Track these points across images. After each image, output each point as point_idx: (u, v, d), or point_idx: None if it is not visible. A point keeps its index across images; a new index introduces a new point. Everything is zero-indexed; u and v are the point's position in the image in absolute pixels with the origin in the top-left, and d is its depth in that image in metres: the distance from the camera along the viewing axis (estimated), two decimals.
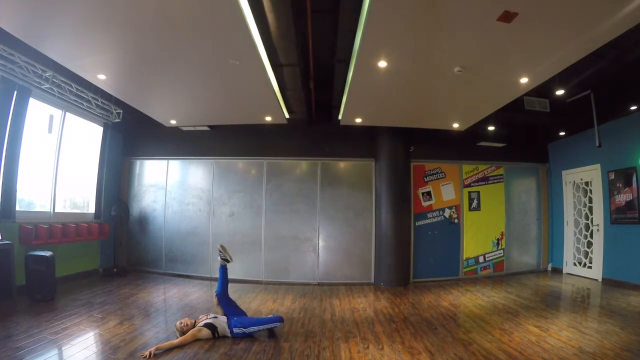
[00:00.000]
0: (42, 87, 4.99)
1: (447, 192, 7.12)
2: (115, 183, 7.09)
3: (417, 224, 6.91)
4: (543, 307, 4.77)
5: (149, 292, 5.41)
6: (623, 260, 5.92)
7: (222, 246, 4.01)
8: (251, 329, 3.55)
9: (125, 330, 3.62)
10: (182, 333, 3.41)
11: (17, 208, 4.79)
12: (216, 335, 3.49)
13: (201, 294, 5.47)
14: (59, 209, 5.75)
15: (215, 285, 6.09)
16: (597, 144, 5.70)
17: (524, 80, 4.14)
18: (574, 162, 7.15)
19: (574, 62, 3.66)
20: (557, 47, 3.38)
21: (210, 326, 3.50)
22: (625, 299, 5.00)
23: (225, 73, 4.20)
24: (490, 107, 5.20)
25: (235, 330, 3.52)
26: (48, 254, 4.67)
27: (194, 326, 3.49)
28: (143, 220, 7.10)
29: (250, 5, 3.08)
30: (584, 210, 6.98)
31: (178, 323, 3.51)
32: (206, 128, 6.82)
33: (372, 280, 6.61)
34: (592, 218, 6.73)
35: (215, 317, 3.63)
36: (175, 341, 3.27)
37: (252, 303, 5.00)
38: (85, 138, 6.40)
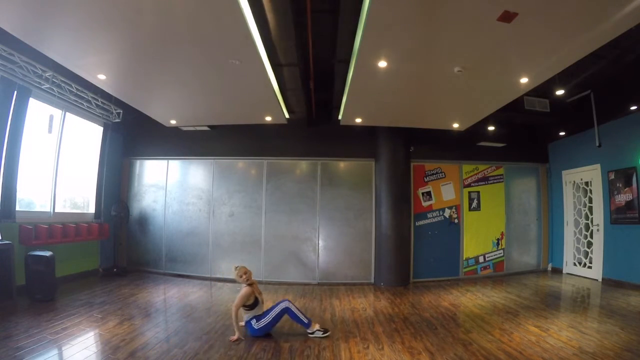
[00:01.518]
0: (42, 87, 4.99)
1: (447, 192, 7.12)
2: (115, 183, 7.08)
3: (417, 224, 6.91)
4: (543, 307, 4.77)
5: (149, 292, 5.41)
6: (623, 260, 5.92)
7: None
8: (262, 322, 3.55)
9: (125, 330, 3.62)
10: (241, 277, 3.64)
11: (17, 208, 4.79)
12: (252, 307, 3.58)
13: (201, 294, 5.47)
14: (59, 209, 5.75)
15: (216, 286, 6.12)
16: (597, 144, 5.70)
17: (524, 80, 4.14)
18: (574, 162, 7.15)
19: (574, 62, 3.66)
20: (557, 47, 3.38)
21: (256, 300, 3.62)
22: (625, 299, 5.00)
23: (225, 73, 4.20)
24: (490, 107, 5.20)
25: (253, 323, 3.54)
26: (48, 254, 4.67)
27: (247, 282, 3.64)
28: (143, 220, 7.11)
29: (250, 5, 3.08)
30: (584, 210, 6.98)
31: (241, 271, 3.66)
32: (206, 128, 6.82)
33: (372, 280, 6.60)
34: (592, 218, 6.73)
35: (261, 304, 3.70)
36: (234, 316, 3.48)
37: None
38: (85, 138, 6.40)
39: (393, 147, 6.66)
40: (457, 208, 7.13)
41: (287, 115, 5.94)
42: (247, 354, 3.13)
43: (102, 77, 4.38)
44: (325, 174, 6.89)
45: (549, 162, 7.78)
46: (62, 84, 5.17)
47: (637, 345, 3.31)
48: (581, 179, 7.05)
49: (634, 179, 5.79)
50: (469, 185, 7.24)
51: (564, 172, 7.42)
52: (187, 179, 7.12)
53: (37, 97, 5.12)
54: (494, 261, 7.20)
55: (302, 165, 6.98)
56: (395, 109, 5.43)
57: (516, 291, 5.73)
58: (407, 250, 6.62)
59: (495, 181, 7.39)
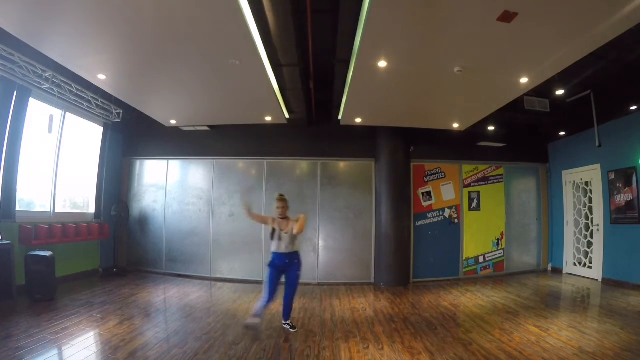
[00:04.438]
0: (42, 87, 4.99)
1: (447, 192, 7.12)
2: (115, 183, 7.08)
3: (417, 224, 6.91)
4: (543, 307, 4.77)
5: (149, 292, 5.41)
6: (623, 260, 5.92)
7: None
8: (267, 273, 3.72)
9: (125, 330, 3.62)
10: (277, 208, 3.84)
11: (17, 208, 4.79)
12: (271, 238, 3.74)
13: (201, 294, 5.47)
14: (59, 209, 5.75)
15: (216, 286, 6.12)
16: (597, 144, 5.70)
17: (524, 80, 4.14)
18: (574, 162, 7.15)
19: (574, 62, 3.66)
20: (557, 47, 3.38)
21: (274, 231, 3.73)
22: (625, 299, 5.00)
23: (225, 73, 4.20)
24: (490, 107, 5.20)
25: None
26: (48, 254, 4.67)
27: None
28: (143, 220, 7.10)
29: (250, 5, 3.08)
30: (584, 210, 6.98)
31: (280, 203, 3.86)
32: (206, 128, 6.82)
33: (372, 280, 6.60)
34: (592, 218, 6.73)
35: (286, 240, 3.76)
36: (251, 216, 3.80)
37: (252, 303, 4.99)
38: (85, 138, 6.40)
39: (393, 147, 6.65)
40: (457, 208, 7.13)
41: (287, 115, 5.94)
42: (247, 354, 3.13)
43: (102, 77, 4.38)
44: (325, 174, 6.89)
45: (549, 162, 7.78)
46: (62, 84, 5.17)
47: (637, 345, 3.31)
48: (581, 179, 7.05)
49: (634, 179, 5.79)
50: (469, 185, 7.24)
51: (564, 172, 7.42)
52: (187, 179, 7.12)
53: (37, 97, 5.12)
54: (494, 261, 7.20)
55: (302, 165, 6.98)
56: (395, 109, 5.43)
57: (516, 291, 5.73)
58: (407, 250, 6.62)
59: (495, 181, 7.39)
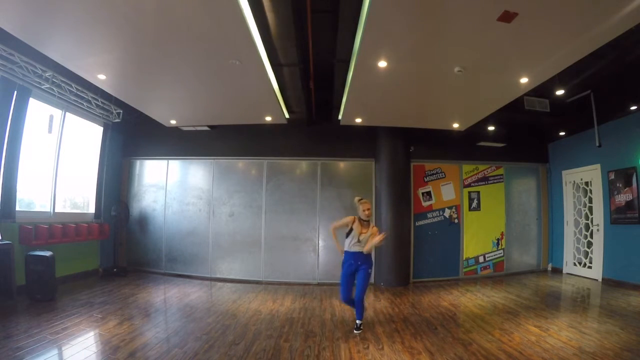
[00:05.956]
0: (42, 87, 4.98)
1: (447, 192, 7.12)
2: (115, 183, 7.08)
3: (417, 224, 6.91)
4: (543, 307, 4.77)
5: (149, 292, 5.41)
6: (623, 260, 5.91)
7: None
8: (344, 262, 3.92)
9: (125, 330, 3.62)
10: (364, 211, 3.82)
11: (17, 208, 4.78)
12: (347, 236, 3.87)
13: (201, 294, 5.47)
14: (59, 209, 5.75)
15: (216, 286, 6.12)
16: (597, 144, 5.70)
17: (524, 80, 4.14)
18: (574, 162, 7.15)
19: (574, 62, 3.66)
20: (557, 47, 3.38)
21: (351, 230, 3.84)
22: (625, 299, 5.00)
23: (225, 73, 4.20)
24: (490, 107, 5.20)
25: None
26: (48, 254, 4.67)
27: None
28: (143, 220, 7.10)
29: (250, 5, 3.08)
30: (584, 210, 6.98)
31: (365, 206, 3.85)
32: (206, 128, 6.82)
33: (372, 280, 6.59)
34: (592, 218, 6.73)
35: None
36: (332, 235, 4.06)
37: (252, 303, 5.00)
38: (85, 138, 6.40)
39: (393, 147, 6.66)
40: (457, 208, 7.13)
41: (287, 115, 5.94)
42: (247, 354, 3.13)
43: (102, 77, 4.38)
44: (325, 174, 6.89)
45: (549, 162, 7.78)
46: (62, 84, 5.17)
47: (637, 345, 3.31)
48: (581, 179, 7.05)
49: (634, 179, 5.78)
50: (469, 185, 7.24)
51: (564, 172, 7.42)
52: (187, 179, 7.12)
53: (37, 97, 5.12)
54: (494, 261, 7.20)
55: (302, 165, 6.98)
56: (395, 109, 5.43)
57: (516, 291, 5.73)
58: (407, 250, 6.62)
59: (495, 181, 7.39)
